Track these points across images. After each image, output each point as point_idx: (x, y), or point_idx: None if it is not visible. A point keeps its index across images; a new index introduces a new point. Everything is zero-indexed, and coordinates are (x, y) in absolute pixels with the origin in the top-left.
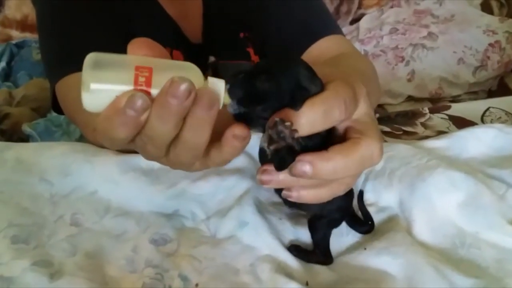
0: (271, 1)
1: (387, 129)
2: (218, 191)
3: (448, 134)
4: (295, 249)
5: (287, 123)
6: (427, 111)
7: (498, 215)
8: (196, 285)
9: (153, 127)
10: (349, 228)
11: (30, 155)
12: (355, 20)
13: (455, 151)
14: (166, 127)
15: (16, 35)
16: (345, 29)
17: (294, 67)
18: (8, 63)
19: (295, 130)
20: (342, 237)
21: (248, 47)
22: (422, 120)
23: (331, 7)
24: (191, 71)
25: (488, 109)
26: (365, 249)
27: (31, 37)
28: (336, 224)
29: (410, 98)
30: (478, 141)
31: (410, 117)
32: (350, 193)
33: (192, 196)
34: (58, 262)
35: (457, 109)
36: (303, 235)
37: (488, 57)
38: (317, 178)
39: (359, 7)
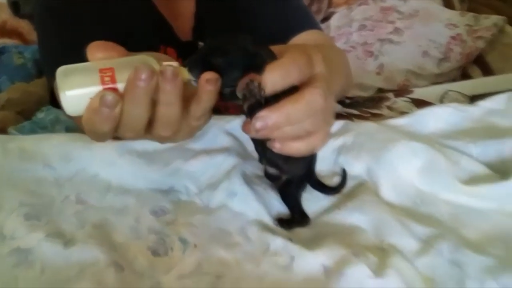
0: (256, 2)
1: (356, 112)
2: (208, 168)
3: (410, 113)
4: (279, 222)
5: (256, 83)
6: (392, 95)
7: (453, 178)
8: (195, 245)
9: (128, 113)
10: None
11: (32, 145)
12: (326, 19)
13: (416, 127)
14: (140, 109)
15: None
16: None
17: (240, 39)
18: None
19: (262, 88)
20: (319, 201)
21: None
22: (388, 103)
23: None
24: (148, 61)
25: (446, 92)
26: (339, 209)
27: (11, 42)
28: (303, 186)
29: (379, 91)
30: (436, 118)
31: (377, 101)
32: (314, 156)
33: (185, 173)
34: (69, 233)
35: (419, 93)
36: None
37: (451, 49)
38: (276, 126)
39: (329, 6)
